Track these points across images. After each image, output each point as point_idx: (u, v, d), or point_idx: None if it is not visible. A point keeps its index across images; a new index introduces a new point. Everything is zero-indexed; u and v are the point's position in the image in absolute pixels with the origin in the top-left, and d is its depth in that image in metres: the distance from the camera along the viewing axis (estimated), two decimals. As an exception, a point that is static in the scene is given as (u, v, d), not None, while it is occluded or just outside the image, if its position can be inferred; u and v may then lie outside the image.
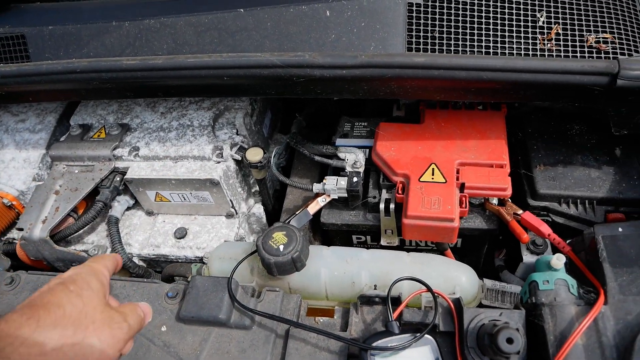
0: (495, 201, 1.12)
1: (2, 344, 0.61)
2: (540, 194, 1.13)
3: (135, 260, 1.28)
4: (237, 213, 1.30)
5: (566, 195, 1.13)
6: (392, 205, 1.11)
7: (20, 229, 1.18)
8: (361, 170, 1.17)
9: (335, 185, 1.15)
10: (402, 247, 1.23)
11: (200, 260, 1.25)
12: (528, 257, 1.11)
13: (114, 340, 0.71)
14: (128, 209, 1.35)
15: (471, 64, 0.94)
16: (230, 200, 1.26)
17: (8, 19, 1.16)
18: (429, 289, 0.92)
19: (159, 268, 1.36)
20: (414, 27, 1.02)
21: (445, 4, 1.03)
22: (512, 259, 1.23)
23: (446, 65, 0.94)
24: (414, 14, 1.03)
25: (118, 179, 1.27)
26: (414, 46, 1.02)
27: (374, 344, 0.86)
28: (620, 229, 0.92)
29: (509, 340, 0.78)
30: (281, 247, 0.98)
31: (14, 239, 1.32)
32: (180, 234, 1.27)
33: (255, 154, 1.21)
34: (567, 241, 1.05)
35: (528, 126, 1.27)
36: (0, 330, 0.63)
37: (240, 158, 1.25)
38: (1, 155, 1.38)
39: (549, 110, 1.33)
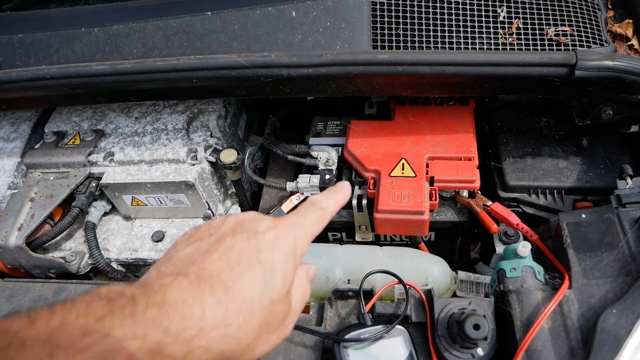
0: (465, 194, 1.14)
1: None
2: (510, 185, 1.16)
3: (114, 265, 1.29)
4: (214, 215, 1.31)
5: (535, 186, 1.15)
6: (364, 201, 1.13)
7: (-4, 238, 1.19)
8: (333, 167, 1.19)
9: (308, 183, 1.16)
10: (377, 242, 1.24)
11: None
12: (500, 248, 1.13)
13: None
14: (105, 214, 1.35)
15: (433, 59, 0.96)
16: (207, 202, 1.27)
17: (-23, 28, 1.17)
18: (400, 281, 0.93)
19: (137, 272, 1.36)
20: (378, 25, 1.05)
21: (408, 2, 1.05)
22: (487, 251, 1.25)
23: (409, 61, 0.96)
24: (378, 12, 1.05)
25: (94, 184, 1.27)
26: (379, 44, 1.05)
27: (347, 336, 0.88)
28: (583, 216, 0.95)
29: (476, 327, 0.80)
30: (254, 245, 0.99)
31: (-10, 248, 1.32)
32: (158, 237, 1.28)
33: (229, 156, 1.22)
34: (536, 230, 1.07)
35: (497, 120, 1.30)
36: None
37: (214, 160, 1.26)
38: (-25, 165, 1.38)
39: (517, 104, 1.35)
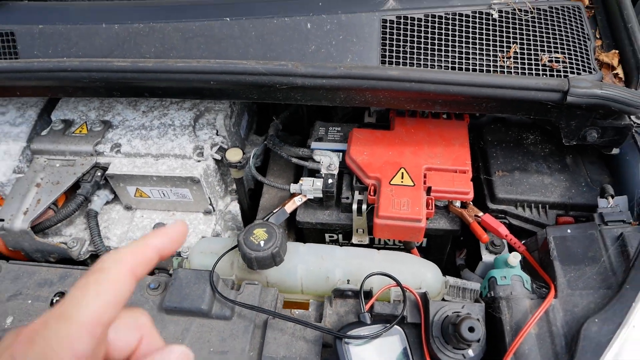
0: (458, 204, 1.22)
1: None
2: (499, 198, 1.23)
3: (114, 254, 1.32)
4: (214, 210, 1.35)
5: (522, 200, 1.23)
6: (364, 206, 1.19)
7: (1, 220, 1.20)
8: (335, 172, 1.25)
9: (311, 186, 1.22)
10: (371, 245, 1.31)
11: (178, 255, 1.30)
12: (487, 257, 1.20)
13: None
14: (106, 203, 1.38)
15: (439, 79, 1.03)
16: (209, 197, 1.31)
17: (-4, 15, 1.18)
18: (398, 284, 1.00)
19: (136, 262, 1.39)
20: (387, 41, 1.11)
21: (415, 22, 1.12)
22: (472, 258, 1.33)
23: (417, 78, 1.03)
24: (388, 30, 1.11)
25: (99, 173, 1.30)
26: (387, 59, 1.11)
27: (349, 333, 0.94)
28: (569, 231, 1.03)
29: (471, 329, 0.86)
30: (262, 243, 1.04)
31: (-9, 230, 1.33)
32: (159, 229, 1.31)
33: (235, 155, 1.27)
34: (522, 241, 1.15)
35: (488, 134, 1.37)
36: None
37: (220, 158, 1.30)
38: (-20, 148, 1.39)
39: (506, 120, 1.43)
